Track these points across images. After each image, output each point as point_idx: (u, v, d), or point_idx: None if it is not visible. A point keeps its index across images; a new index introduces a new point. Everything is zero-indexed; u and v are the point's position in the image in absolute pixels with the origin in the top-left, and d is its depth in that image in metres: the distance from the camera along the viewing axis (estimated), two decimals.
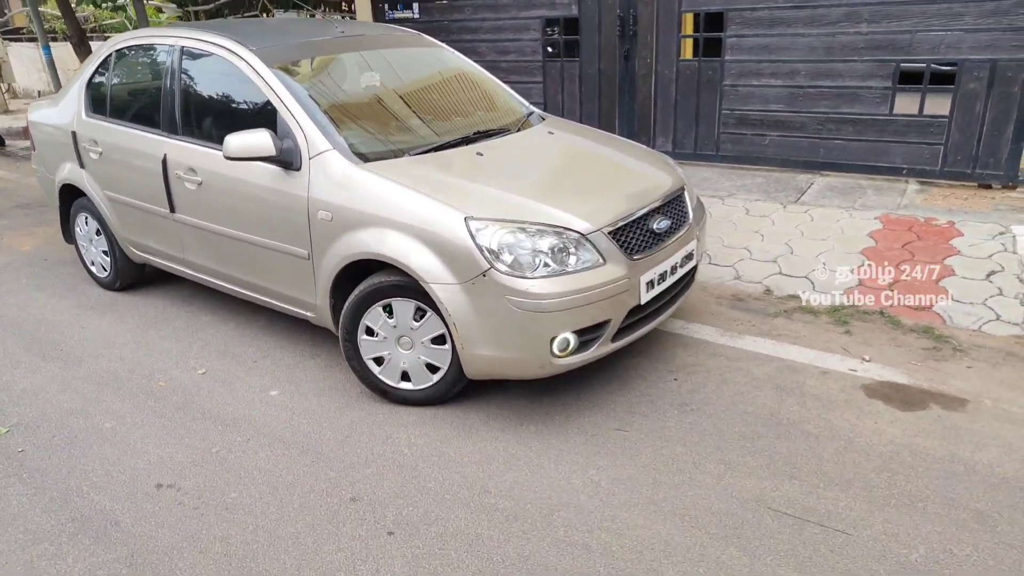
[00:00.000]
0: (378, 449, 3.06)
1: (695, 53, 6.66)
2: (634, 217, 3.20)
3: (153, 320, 4.46)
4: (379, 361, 3.34)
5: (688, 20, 6.65)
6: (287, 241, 3.51)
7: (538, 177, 3.46)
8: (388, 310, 3.21)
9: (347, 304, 3.29)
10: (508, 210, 3.02)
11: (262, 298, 3.87)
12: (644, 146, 4.11)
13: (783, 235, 5.13)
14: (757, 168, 6.60)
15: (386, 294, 3.17)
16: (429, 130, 3.76)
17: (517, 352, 3.00)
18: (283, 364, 3.83)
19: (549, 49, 7.48)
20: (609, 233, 3.06)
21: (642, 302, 3.20)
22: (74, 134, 4.59)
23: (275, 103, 3.46)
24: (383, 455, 3.02)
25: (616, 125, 7.25)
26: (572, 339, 3.01)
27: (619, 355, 3.72)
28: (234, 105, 3.75)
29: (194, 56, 3.92)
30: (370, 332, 3.29)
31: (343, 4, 11.83)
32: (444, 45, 4.62)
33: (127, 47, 4.38)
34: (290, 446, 3.11)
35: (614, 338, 3.17)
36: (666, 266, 3.32)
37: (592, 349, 3.09)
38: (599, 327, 3.08)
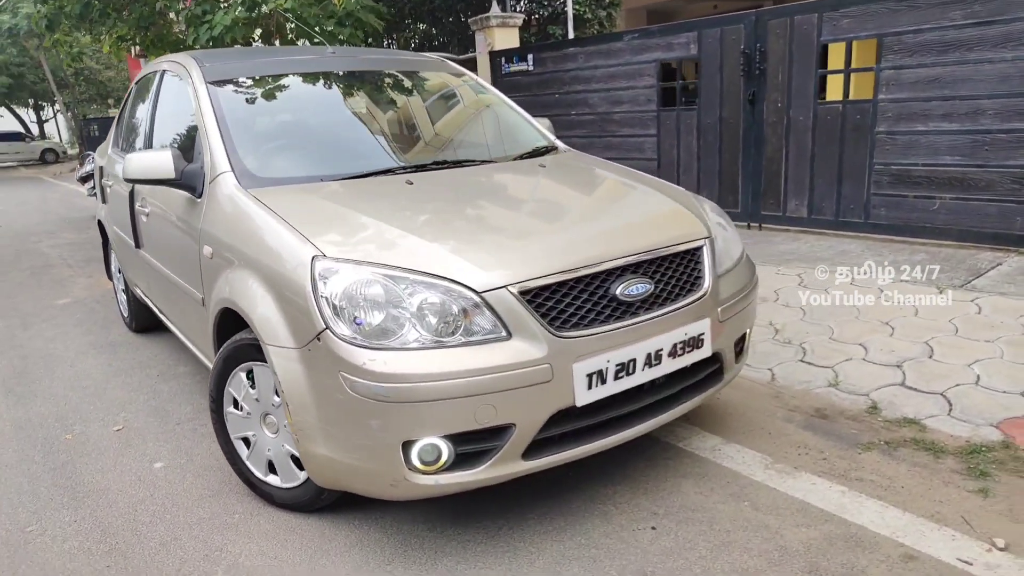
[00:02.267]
0: (192, 565, 2.22)
1: (839, 93, 5.28)
2: (577, 274, 2.13)
3: (137, 366, 4.08)
4: (249, 443, 2.54)
5: (833, 52, 5.32)
6: (190, 281, 2.91)
7: (463, 214, 2.49)
8: (252, 377, 2.42)
9: (212, 366, 2.56)
10: (383, 251, 2.12)
11: (193, 349, 3.27)
12: (682, 189, 2.98)
13: (925, 331, 3.58)
14: (922, 241, 4.97)
15: (247, 356, 2.39)
16: (378, 156, 3.00)
17: (360, 459, 2.04)
18: (205, 429, 3.17)
19: (663, 96, 6.47)
20: (522, 293, 2.03)
21: (578, 403, 2.08)
22: (101, 169, 4.48)
23: (198, 120, 2.93)
24: (186, 573, 2.18)
25: (739, 185, 5.98)
26: (445, 448, 1.99)
27: (589, 472, 2.57)
28: (182, 127, 3.29)
29: (166, 78, 3.56)
30: (237, 404, 2.51)
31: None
32: (470, 73, 3.88)
33: (144, 75, 4.20)
34: (104, 540, 2.38)
35: (527, 454, 2.08)
36: (637, 352, 2.18)
37: (482, 468, 2.03)
38: (494, 434, 2.02)
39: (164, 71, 3.62)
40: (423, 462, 1.99)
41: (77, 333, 4.80)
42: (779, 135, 5.61)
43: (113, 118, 5.89)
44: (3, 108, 30.66)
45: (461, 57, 10.58)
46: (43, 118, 35.72)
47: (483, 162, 3.10)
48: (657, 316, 2.24)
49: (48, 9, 8.23)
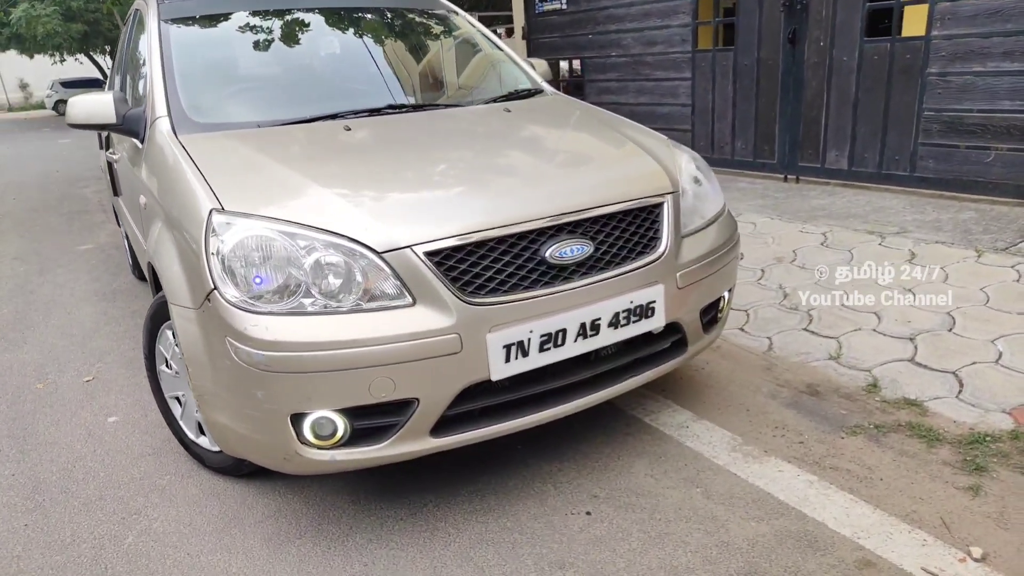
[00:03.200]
0: (105, 528, 2.16)
1: (887, 30, 4.72)
2: (497, 234, 1.89)
3: (129, 315, 4.08)
4: (181, 402, 2.44)
5: None
6: (141, 232, 2.80)
7: (388, 165, 2.24)
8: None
9: (143, 323, 2.45)
10: (288, 205, 1.93)
11: None
12: (662, 138, 2.66)
13: (951, 300, 3.18)
14: (973, 198, 4.45)
15: (168, 314, 2.27)
16: (329, 100, 2.78)
17: (251, 429, 1.90)
18: None
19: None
20: (430, 255, 1.82)
21: (493, 377, 1.87)
22: None
23: (147, 61, 2.77)
24: (99, 536, 2.11)
25: (776, 133, 5.49)
26: (340, 423, 1.83)
27: (539, 445, 2.38)
28: (140, 68, 3.14)
29: (137, 16, 3.42)
30: (168, 363, 2.42)
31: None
32: (463, 14, 3.57)
33: (130, 12, 4.05)
34: (33, 496, 2.35)
35: (436, 431, 1.90)
36: (567, 321, 1.94)
37: (383, 445, 1.86)
38: (395, 409, 1.84)
39: (135, 11, 3.48)
40: (317, 436, 1.83)
41: (86, 280, 4.85)
42: (820, 78, 5.09)
43: None
44: (81, 55, 31.47)
45: None
46: None
47: (446, 107, 2.85)
48: (595, 282, 1.99)
49: None
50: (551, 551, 1.94)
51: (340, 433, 1.83)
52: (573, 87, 7.57)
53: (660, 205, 2.19)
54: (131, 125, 2.65)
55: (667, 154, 2.45)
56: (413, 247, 1.81)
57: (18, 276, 5.07)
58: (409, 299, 1.81)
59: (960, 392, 2.55)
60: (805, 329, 3.16)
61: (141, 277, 4.63)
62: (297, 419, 1.80)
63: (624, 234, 2.09)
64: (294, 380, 1.75)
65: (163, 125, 2.46)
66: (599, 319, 1.99)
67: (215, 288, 1.81)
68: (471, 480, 2.27)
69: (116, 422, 2.83)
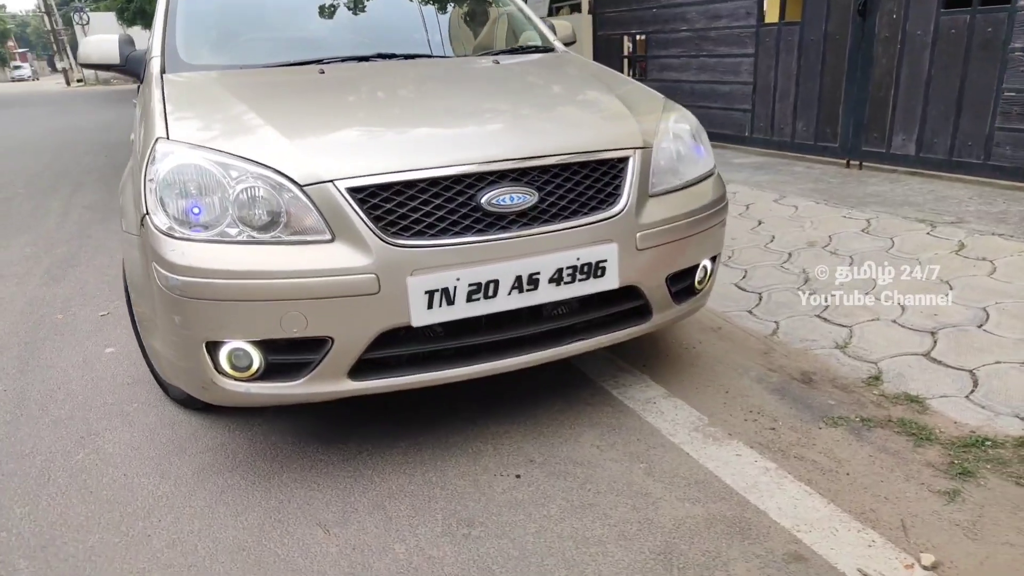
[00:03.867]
0: (62, 444, 2.25)
1: (967, 2, 4.26)
2: (428, 175, 1.81)
3: None
4: None
5: None
6: None
7: (343, 106, 2.20)
8: None
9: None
10: (232, 137, 1.92)
11: None
12: (654, 93, 2.48)
13: (991, 294, 2.85)
14: None
15: None
16: (319, 47, 2.76)
17: (175, 355, 1.91)
18: None
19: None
20: (353, 191, 1.76)
21: (414, 323, 1.81)
22: None
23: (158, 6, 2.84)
24: (54, 451, 2.19)
25: (840, 114, 5.10)
26: (255, 356, 1.81)
27: (495, 407, 2.31)
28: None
29: None
30: None
31: None
32: None
33: None
34: (11, 411, 2.48)
35: (355, 373, 1.85)
36: (501, 272, 1.84)
37: (299, 382, 1.83)
38: (309, 346, 1.80)
39: None
40: (233, 367, 1.82)
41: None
42: (891, 54, 4.67)
43: None
44: (139, 27, 32.39)
45: None
46: None
47: (437, 58, 2.78)
48: (535, 233, 1.88)
49: None
50: (465, 508, 1.86)
51: (255, 366, 1.82)
52: (634, 64, 7.33)
53: (624, 160, 2.04)
54: (133, 66, 2.72)
55: (652, 111, 2.29)
56: (335, 182, 1.76)
57: (83, 223, 5.39)
58: (328, 235, 1.76)
59: (972, 392, 2.27)
60: (818, 316, 2.91)
61: None
62: (213, 348, 1.80)
63: (577, 187, 1.96)
64: (207, 307, 1.74)
65: (155, 65, 2.51)
66: (537, 273, 1.88)
67: (147, 213, 1.83)
68: (413, 434, 2.21)
69: (112, 353, 2.95)
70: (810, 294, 3.10)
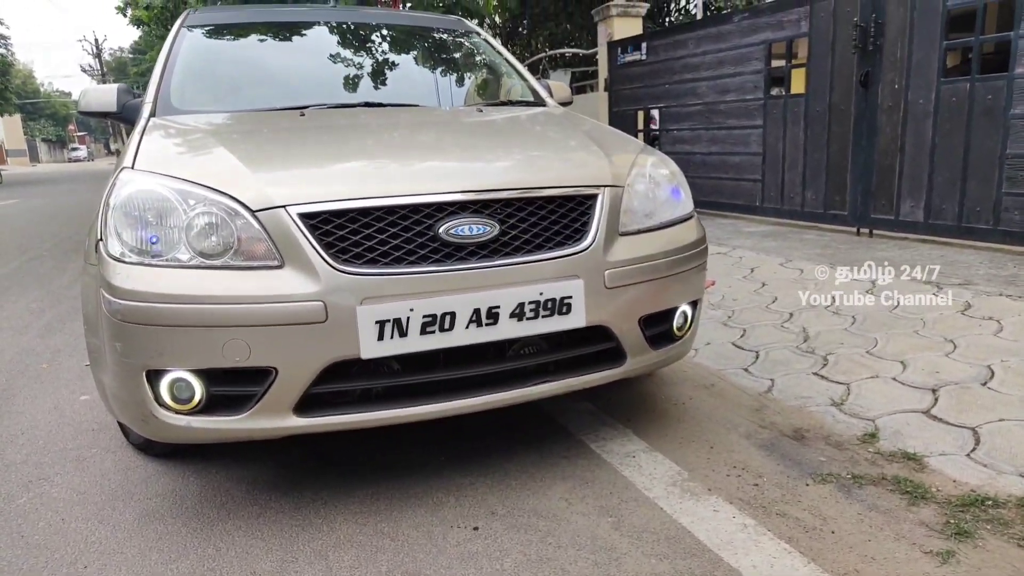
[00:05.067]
0: (9, 488, 2.16)
1: (966, 70, 4.26)
2: (384, 203, 1.77)
3: None
4: None
5: (961, 19, 4.31)
6: None
7: (312, 143, 2.19)
8: None
9: None
10: (193, 168, 1.92)
11: None
12: (632, 140, 2.45)
13: (996, 352, 2.70)
14: None
15: None
16: (309, 94, 2.80)
17: (117, 385, 1.84)
18: None
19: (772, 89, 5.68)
20: (305, 216, 1.73)
21: (363, 355, 1.72)
22: None
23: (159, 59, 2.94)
24: (2, 498, 2.11)
25: (847, 182, 5.06)
26: (197, 386, 1.73)
27: (465, 457, 2.19)
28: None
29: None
30: None
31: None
32: (483, 33, 3.58)
33: None
34: None
35: (301, 409, 1.76)
36: (458, 304, 1.77)
37: (242, 416, 1.74)
38: (253, 378, 1.72)
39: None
40: (174, 399, 1.74)
41: None
42: (895, 122, 4.65)
43: None
44: None
45: (587, 52, 10.25)
46: None
47: (423, 108, 2.81)
48: (495, 265, 1.81)
49: None
50: (412, 560, 1.72)
51: (197, 398, 1.74)
52: (648, 139, 7.42)
53: (593, 197, 1.99)
54: (129, 114, 2.78)
55: (628, 153, 2.26)
56: (288, 207, 1.73)
57: None
58: (278, 261, 1.72)
59: (974, 450, 2.10)
60: (815, 373, 2.77)
61: None
62: (154, 377, 1.73)
63: (542, 222, 1.91)
64: (148, 333, 1.69)
65: (146, 110, 2.57)
66: (497, 307, 1.81)
67: (100, 239, 1.81)
68: (374, 483, 2.09)
69: (86, 400, 2.89)
70: (808, 352, 2.96)
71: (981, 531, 1.73)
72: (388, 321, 1.72)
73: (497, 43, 3.61)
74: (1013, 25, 3.92)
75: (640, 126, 7.60)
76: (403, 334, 1.74)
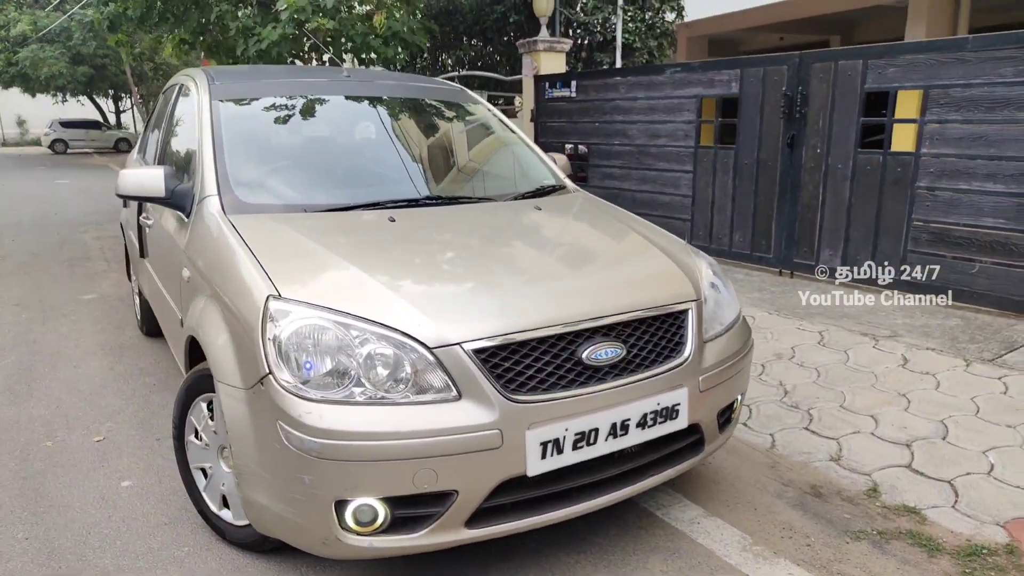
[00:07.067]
0: None
1: (879, 144, 5.03)
2: (540, 334, 2.01)
3: (137, 372, 4.10)
4: (206, 474, 2.48)
5: (876, 101, 5.07)
6: (174, 300, 2.91)
7: (434, 259, 2.41)
8: (213, 409, 2.37)
9: (177, 392, 2.52)
10: (342, 294, 2.04)
11: (179, 365, 3.26)
12: (681, 243, 2.84)
13: (943, 408, 3.34)
14: (958, 306, 4.67)
15: (208, 387, 2.33)
16: (369, 188, 2.94)
17: (293, 512, 1.95)
18: None
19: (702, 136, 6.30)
20: (477, 352, 1.93)
21: (530, 473, 1.96)
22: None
23: (196, 138, 2.92)
24: None
25: (773, 229, 5.75)
26: (381, 510, 1.89)
27: (555, 536, 2.44)
28: (187, 144, 3.29)
29: (180, 92, 3.59)
30: (197, 434, 2.47)
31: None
32: (487, 105, 3.80)
33: (169, 86, 4.24)
34: (49, 563, 2.35)
35: (471, 522, 1.97)
36: (600, 421, 2.05)
37: (420, 534, 1.92)
38: (434, 500, 1.91)
39: (180, 84, 3.65)
40: (358, 523, 1.89)
41: (91, 332, 4.87)
42: (816, 182, 5.38)
43: None
44: (84, 97, 31.94)
45: (508, 79, 10.59)
46: (121, 108, 36.99)
47: (479, 199, 3.02)
48: (626, 383, 2.11)
49: (111, 11, 8.49)
50: None
51: (380, 520, 1.90)
52: (576, 170, 7.86)
53: (685, 312, 2.33)
54: (179, 200, 2.77)
55: (688, 260, 2.62)
56: (463, 344, 1.92)
57: (21, 324, 5.07)
58: (455, 393, 1.91)
59: (956, 502, 2.67)
60: (806, 428, 3.28)
61: (149, 334, 4.66)
62: (340, 505, 1.87)
63: (653, 339, 2.22)
64: (343, 468, 1.83)
65: (213, 204, 2.59)
66: (629, 419, 2.10)
67: (270, 372, 1.90)
68: (484, 567, 2.31)
69: (130, 487, 2.84)
70: (793, 407, 3.48)
71: (982, 570, 2.26)
72: (550, 441, 1.97)
73: (499, 112, 3.85)
74: (922, 112, 4.69)
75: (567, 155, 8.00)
76: (559, 451, 2.00)
